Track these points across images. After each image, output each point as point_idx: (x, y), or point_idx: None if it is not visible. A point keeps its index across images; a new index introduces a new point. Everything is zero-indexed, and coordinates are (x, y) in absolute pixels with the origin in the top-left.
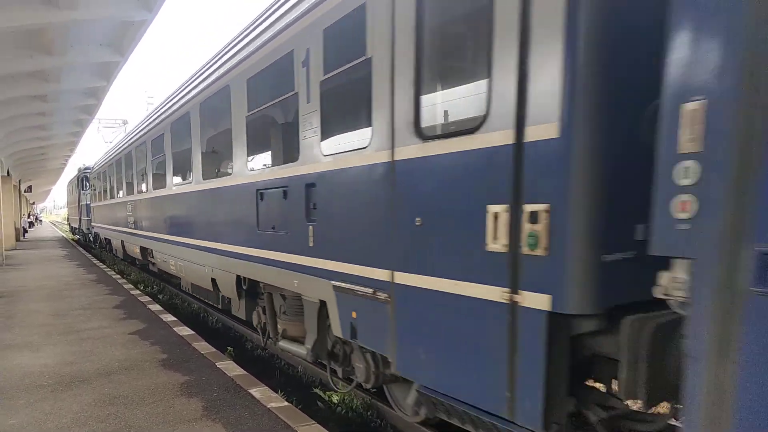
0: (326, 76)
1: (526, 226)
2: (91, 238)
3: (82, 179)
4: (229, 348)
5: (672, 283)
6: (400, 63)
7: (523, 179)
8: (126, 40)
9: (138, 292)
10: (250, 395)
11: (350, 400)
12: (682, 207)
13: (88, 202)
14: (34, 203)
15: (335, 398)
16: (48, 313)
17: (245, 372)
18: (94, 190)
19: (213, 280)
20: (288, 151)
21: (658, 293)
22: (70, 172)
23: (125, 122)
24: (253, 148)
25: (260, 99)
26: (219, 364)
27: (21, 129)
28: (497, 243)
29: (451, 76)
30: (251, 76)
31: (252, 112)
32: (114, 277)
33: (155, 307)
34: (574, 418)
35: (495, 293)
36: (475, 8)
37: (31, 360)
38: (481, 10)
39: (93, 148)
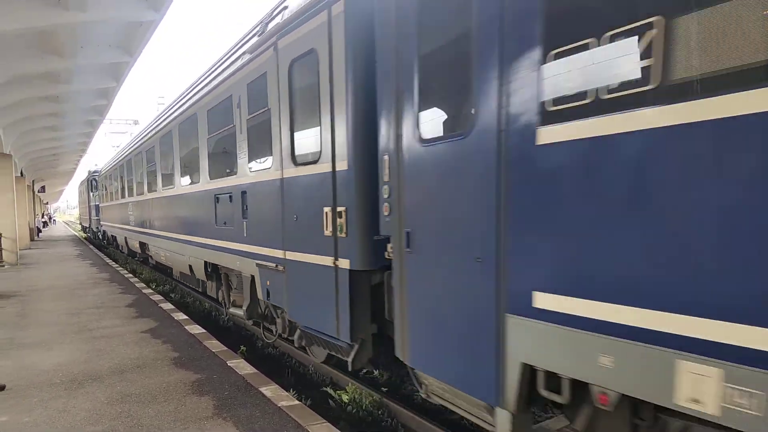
0: (250, 116)
1: (338, 220)
2: (100, 236)
3: (91, 181)
4: (242, 347)
5: (389, 250)
6: (283, 114)
7: (336, 192)
8: (135, 41)
9: (150, 290)
10: (261, 394)
11: (360, 399)
12: (385, 209)
13: (97, 203)
14: (47, 203)
15: (345, 397)
16: (61, 312)
17: (256, 370)
18: (101, 192)
19: (190, 266)
20: (231, 166)
21: (387, 255)
22: (81, 173)
23: (136, 122)
24: (212, 162)
25: (215, 126)
26: (230, 363)
27: (34, 130)
28: (328, 230)
29: (306, 127)
30: (210, 109)
31: (211, 135)
32: (126, 275)
33: (167, 306)
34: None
35: (329, 261)
36: (312, 86)
37: (45, 358)
38: (314, 88)
39: (103, 150)
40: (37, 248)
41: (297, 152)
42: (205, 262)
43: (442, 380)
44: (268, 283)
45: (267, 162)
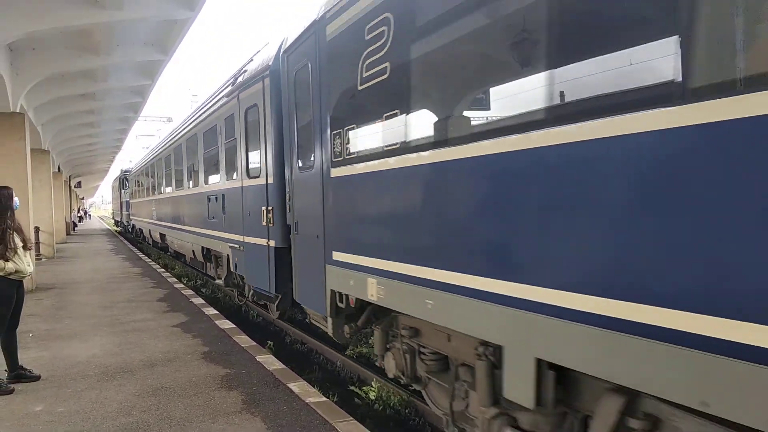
0: (226, 141)
1: (268, 215)
2: (130, 229)
3: (123, 180)
4: (269, 342)
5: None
6: (242, 143)
7: (267, 197)
8: (169, 39)
9: (181, 285)
10: (288, 389)
11: (388, 397)
12: (288, 209)
13: (127, 200)
14: (83, 198)
15: (372, 395)
16: (95, 305)
17: (284, 366)
18: (131, 189)
19: (193, 252)
20: (217, 175)
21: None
22: (116, 169)
23: (170, 119)
24: (205, 171)
25: (208, 144)
26: (259, 358)
27: (71, 127)
28: (264, 222)
29: (254, 152)
30: (204, 131)
31: (205, 150)
32: (158, 270)
33: (198, 301)
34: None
35: (264, 242)
36: (256, 127)
37: (79, 350)
38: (257, 128)
39: (135, 149)
40: (73, 242)
41: (250, 169)
42: (202, 247)
43: (309, 307)
44: (235, 259)
45: (235, 174)
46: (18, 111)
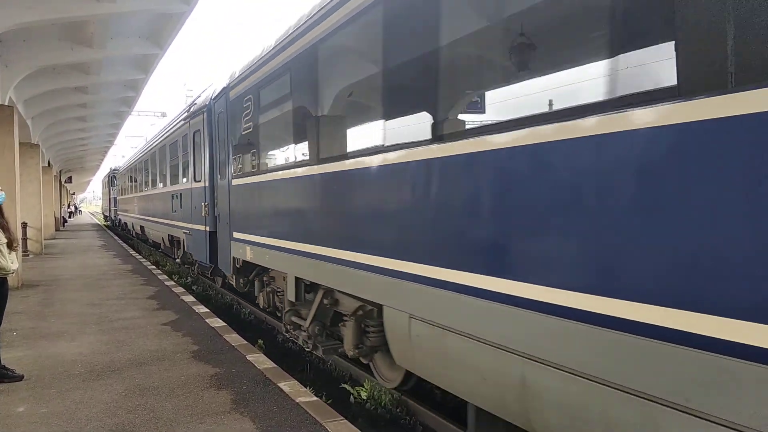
0: (182, 153)
1: (205, 209)
2: (117, 223)
3: (111, 178)
4: (259, 341)
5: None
6: (191, 156)
7: (205, 196)
8: (164, 33)
9: (172, 282)
10: (279, 389)
11: (379, 397)
12: (215, 204)
13: (115, 196)
14: (74, 194)
15: (364, 394)
16: (83, 303)
17: (275, 365)
18: (118, 187)
19: (163, 239)
20: (178, 178)
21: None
22: (108, 164)
23: (164, 114)
24: (171, 175)
25: (172, 153)
26: (249, 357)
27: (62, 120)
28: (203, 213)
29: (198, 164)
30: (170, 144)
31: (171, 158)
32: (149, 267)
33: (188, 299)
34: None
35: (203, 228)
36: (199, 146)
37: (65, 349)
38: (200, 148)
39: (126, 147)
40: (62, 238)
41: (195, 175)
42: (168, 235)
43: (224, 271)
44: (187, 241)
45: (186, 179)
46: (6, 104)
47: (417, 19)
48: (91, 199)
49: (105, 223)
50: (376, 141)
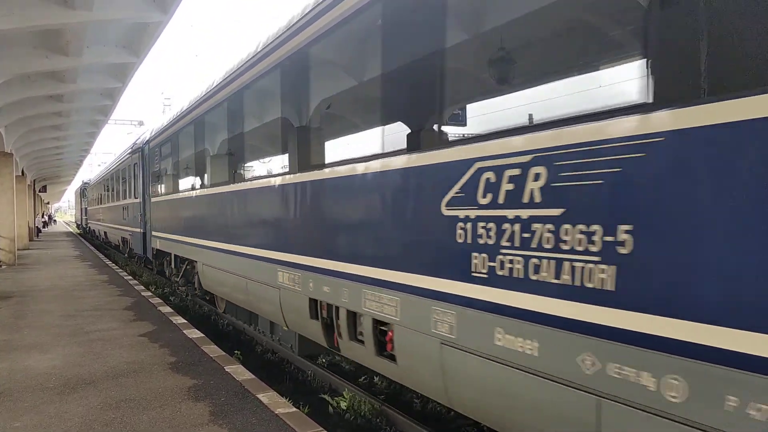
0: (129, 177)
1: (140, 217)
2: (87, 230)
3: (83, 190)
4: (236, 351)
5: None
6: (133, 180)
7: (140, 208)
8: (142, 42)
9: (149, 293)
10: (258, 400)
11: (359, 407)
12: (146, 215)
13: (86, 207)
14: (48, 203)
15: (344, 404)
16: (58, 314)
17: (254, 376)
18: (88, 198)
19: (118, 240)
20: (126, 195)
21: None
22: (85, 173)
23: (141, 123)
24: (121, 192)
25: (124, 177)
26: (227, 368)
27: (37, 129)
28: (139, 220)
29: (135, 186)
30: (122, 169)
31: (122, 179)
32: (126, 278)
33: (166, 309)
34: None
35: (139, 230)
36: (138, 174)
37: (39, 362)
38: (138, 175)
39: (102, 156)
40: (36, 248)
41: (134, 194)
42: (121, 237)
43: (150, 258)
44: (130, 240)
45: (130, 195)
46: None
47: (262, 101)
48: (66, 209)
49: (78, 231)
50: (200, 183)
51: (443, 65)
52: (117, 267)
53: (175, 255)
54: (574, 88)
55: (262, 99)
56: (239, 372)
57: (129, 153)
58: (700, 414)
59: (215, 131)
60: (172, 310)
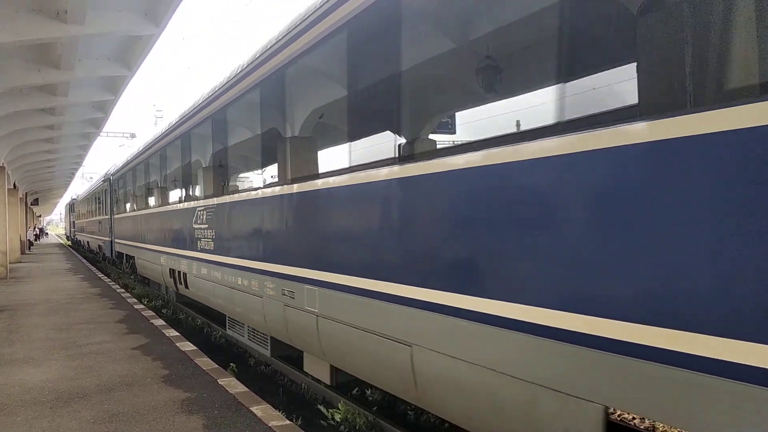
0: (102, 199)
1: (109, 229)
2: (75, 241)
3: (72, 205)
4: (231, 364)
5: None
6: (106, 201)
7: (110, 222)
8: (134, 55)
9: (142, 306)
10: (251, 413)
11: (353, 419)
12: (113, 229)
13: (74, 220)
14: (40, 216)
15: (338, 416)
16: (50, 328)
17: (247, 389)
18: (76, 214)
19: (97, 247)
20: (102, 212)
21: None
22: (77, 186)
23: (133, 135)
24: (97, 210)
25: (98, 197)
26: (221, 381)
27: (28, 142)
28: (108, 231)
29: (106, 206)
30: (98, 193)
31: (97, 201)
32: (118, 291)
33: (158, 322)
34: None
35: (108, 239)
36: (108, 198)
37: (32, 375)
38: (108, 198)
39: (90, 171)
40: (28, 261)
41: (104, 212)
42: (98, 245)
43: (117, 260)
44: (103, 247)
45: (103, 213)
46: None
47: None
48: (58, 222)
49: (68, 243)
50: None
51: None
52: (109, 280)
53: (126, 254)
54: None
55: (174, 156)
56: (232, 385)
57: (102, 180)
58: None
59: (149, 172)
60: (165, 323)
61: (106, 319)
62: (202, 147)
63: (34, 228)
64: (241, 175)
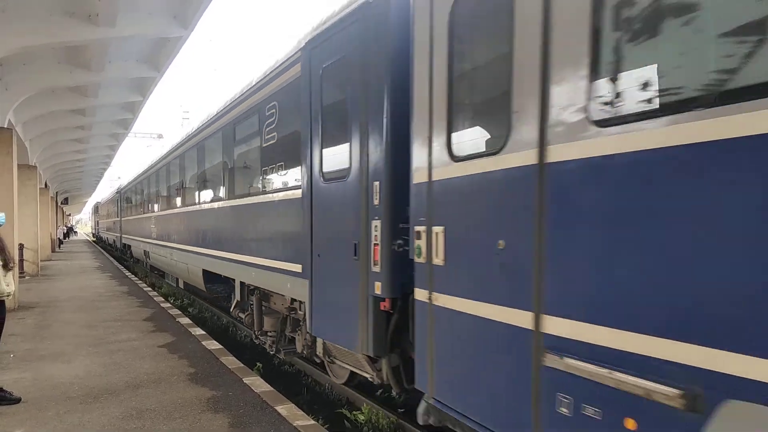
0: (113, 206)
1: (120, 227)
2: (99, 238)
3: (97, 207)
4: (258, 364)
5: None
6: (119, 209)
7: (120, 223)
8: (162, 56)
9: (168, 305)
10: (276, 412)
11: (377, 421)
12: (121, 227)
13: (98, 220)
14: (70, 215)
15: (362, 417)
16: (80, 325)
17: (272, 388)
18: (99, 214)
19: (113, 240)
20: (114, 216)
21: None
22: (105, 185)
23: (160, 136)
24: (113, 213)
25: (111, 206)
26: (246, 380)
27: (59, 142)
28: (118, 230)
29: (116, 212)
30: (111, 201)
31: (110, 207)
32: (145, 289)
33: (185, 321)
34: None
35: (119, 235)
36: (119, 205)
37: (62, 371)
38: (119, 205)
39: (120, 171)
40: (58, 259)
41: (117, 215)
42: (113, 239)
43: (124, 248)
44: (117, 241)
45: (115, 216)
46: (6, 126)
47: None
48: (86, 221)
49: (94, 240)
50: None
51: None
52: (136, 278)
53: (127, 245)
54: None
55: (152, 183)
56: (257, 384)
57: (115, 192)
58: None
59: (136, 192)
60: (190, 322)
61: (134, 317)
62: (167, 177)
63: (64, 226)
64: (173, 197)
